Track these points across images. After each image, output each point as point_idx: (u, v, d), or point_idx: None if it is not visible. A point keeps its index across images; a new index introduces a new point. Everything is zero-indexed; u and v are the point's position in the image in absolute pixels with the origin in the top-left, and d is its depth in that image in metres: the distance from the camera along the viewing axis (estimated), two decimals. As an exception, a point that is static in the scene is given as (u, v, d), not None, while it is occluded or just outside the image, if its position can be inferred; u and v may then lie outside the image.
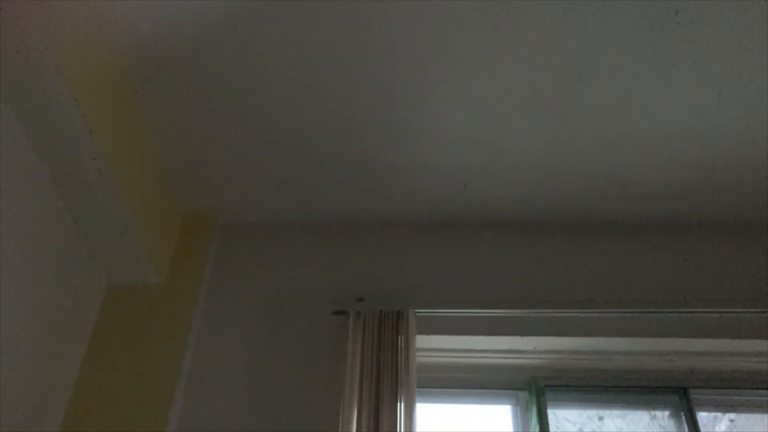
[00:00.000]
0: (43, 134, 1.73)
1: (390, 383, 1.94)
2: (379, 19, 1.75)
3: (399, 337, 2.04)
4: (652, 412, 2.21)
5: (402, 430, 1.85)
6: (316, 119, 2.09)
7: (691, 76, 1.88)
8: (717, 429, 2.19)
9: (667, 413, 2.21)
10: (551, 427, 2.12)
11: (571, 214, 2.44)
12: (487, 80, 1.93)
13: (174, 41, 1.83)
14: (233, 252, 2.46)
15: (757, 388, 2.19)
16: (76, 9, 1.65)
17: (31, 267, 1.80)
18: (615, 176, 2.26)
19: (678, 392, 2.20)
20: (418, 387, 1.97)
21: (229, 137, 2.17)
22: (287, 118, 2.09)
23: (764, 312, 2.10)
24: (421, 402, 2.11)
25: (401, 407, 1.89)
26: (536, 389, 2.18)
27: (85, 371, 2.06)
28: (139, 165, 2.08)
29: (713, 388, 2.21)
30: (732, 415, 2.21)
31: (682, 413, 2.16)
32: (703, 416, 2.17)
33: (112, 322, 2.17)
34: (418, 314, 2.11)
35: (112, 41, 1.82)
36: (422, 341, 2.14)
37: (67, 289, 1.99)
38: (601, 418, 2.21)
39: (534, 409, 2.14)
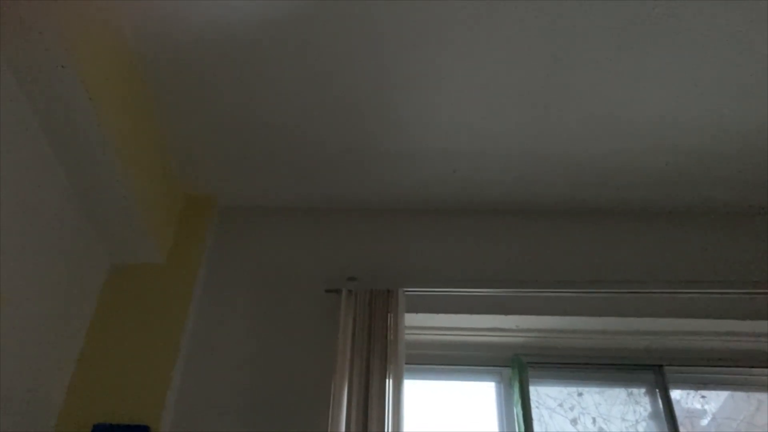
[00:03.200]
0: (51, 115, 1.82)
1: (380, 359, 2.01)
2: (375, 9, 1.82)
3: (389, 315, 2.12)
4: (629, 389, 2.30)
5: (391, 405, 1.93)
6: (312, 108, 2.16)
7: (668, 67, 1.97)
8: (689, 405, 2.30)
9: (643, 390, 2.30)
10: (533, 403, 2.21)
11: (554, 198, 2.53)
12: (477, 69, 2.00)
13: (179, 31, 1.91)
14: (231, 234, 2.55)
15: (727, 366, 2.30)
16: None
17: (37, 243, 1.88)
18: (598, 163, 2.35)
19: (653, 370, 2.29)
20: (406, 364, 2.05)
21: (229, 125, 2.25)
22: (285, 107, 2.16)
23: (735, 293, 2.21)
24: (408, 378, 2.21)
25: (390, 383, 1.96)
26: (519, 366, 2.28)
27: (88, 345, 2.15)
28: (143, 149, 2.16)
29: (687, 366, 2.31)
30: (704, 392, 2.31)
31: (657, 390, 2.26)
32: (676, 393, 2.28)
33: (115, 298, 2.26)
34: (407, 293, 2.20)
35: (119, 28, 1.90)
36: (411, 319, 2.24)
37: (71, 266, 2.07)
38: (580, 394, 2.30)
39: (516, 385, 2.24)
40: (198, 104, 2.17)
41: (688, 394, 2.31)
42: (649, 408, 2.27)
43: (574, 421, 2.25)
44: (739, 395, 2.31)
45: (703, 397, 2.30)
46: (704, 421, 2.28)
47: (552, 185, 2.47)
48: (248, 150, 2.37)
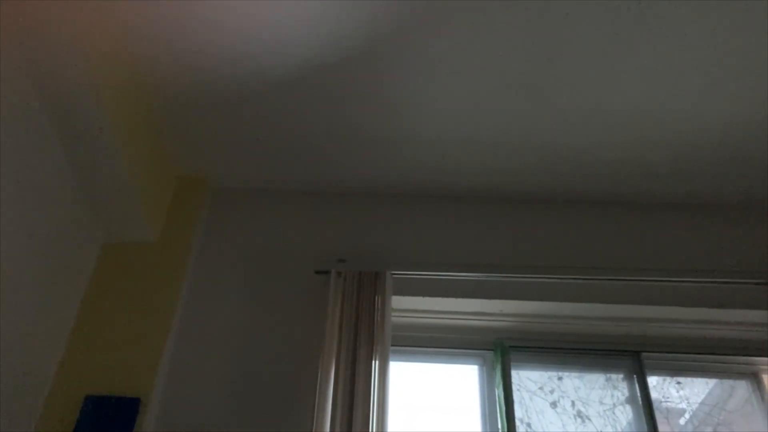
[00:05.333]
0: (51, 93, 1.85)
1: (366, 341, 2.06)
2: (367, -2, 1.87)
3: (376, 297, 2.17)
4: (607, 374, 2.37)
5: (376, 385, 1.97)
6: (303, 92, 2.20)
7: (652, 61, 2.02)
8: (665, 391, 2.37)
9: (621, 376, 2.37)
10: (514, 386, 2.27)
11: (539, 186, 2.59)
12: (466, 58, 2.04)
13: (176, 17, 1.93)
14: (223, 215, 2.58)
15: (702, 353, 2.37)
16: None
17: (32, 219, 1.91)
18: (582, 153, 2.41)
19: (631, 356, 2.36)
20: (391, 345, 2.09)
21: (222, 108, 2.28)
22: (276, 91, 2.20)
23: (712, 282, 2.29)
24: (394, 360, 2.25)
25: (376, 365, 2.01)
26: (501, 350, 2.33)
27: (81, 320, 2.18)
28: (138, 129, 2.19)
29: (663, 352, 2.38)
30: (679, 378, 2.39)
31: (635, 376, 2.33)
32: (653, 379, 2.35)
33: (108, 275, 2.29)
34: (394, 276, 2.25)
35: (120, 17, 1.93)
36: (397, 302, 2.28)
37: (65, 242, 2.10)
38: (560, 378, 2.37)
39: (498, 368, 2.30)
40: (191, 88, 2.20)
41: (664, 380, 2.38)
42: (626, 393, 2.34)
43: (553, 404, 2.32)
44: (714, 382, 2.39)
45: (678, 383, 2.38)
46: (680, 407, 2.36)
47: (537, 173, 2.53)
48: (240, 133, 2.40)
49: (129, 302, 2.22)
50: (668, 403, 2.35)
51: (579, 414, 2.30)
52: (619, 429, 2.27)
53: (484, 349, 2.39)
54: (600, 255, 2.47)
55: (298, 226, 2.55)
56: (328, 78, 2.14)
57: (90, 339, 2.14)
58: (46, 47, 1.73)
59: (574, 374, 2.38)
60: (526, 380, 2.36)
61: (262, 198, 2.64)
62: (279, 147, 2.46)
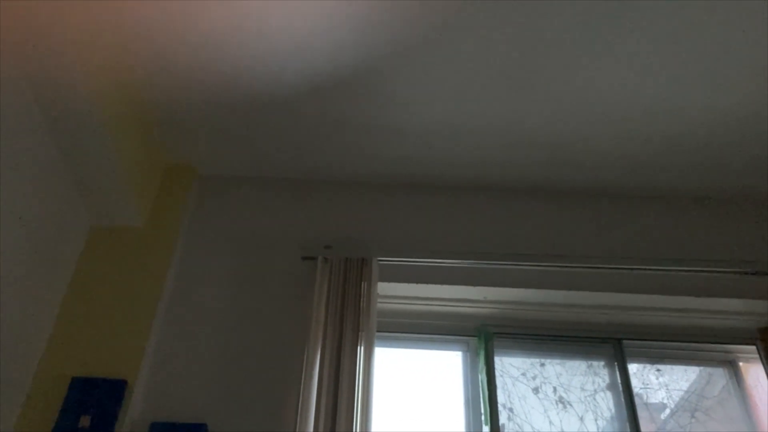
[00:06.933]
0: (43, 81, 1.86)
1: (352, 326, 2.09)
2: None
3: (362, 283, 2.19)
4: (589, 361, 2.41)
5: (361, 371, 2.00)
6: (291, 82, 2.21)
7: (634, 55, 2.04)
8: (645, 378, 2.42)
9: (602, 363, 2.41)
10: (497, 372, 2.31)
11: (523, 177, 2.62)
12: (453, 49, 2.06)
13: (165, 12, 1.94)
14: (211, 201, 2.59)
15: (681, 341, 2.42)
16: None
17: (21, 202, 1.92)
18: (567, 144, 2.43)
19: (612, 343, 2.41)
20: (377, 331, 2.12)
21: (211, 97, 2.29)
22: (265, 80, 2.20)
23: (692, 271, 2.34)
24: (379, 346, 2.28)
25: (361, 350, 2.04)
26: (485, 336, 2.37)
27: (68, 303, 2.19)
28: (128, 116, 2.20)
29: (644, 340, 2.43)
30: (659, 366, 2.43)
31: (616, 363, 2.37)
32: (633, 366, 2.40)
33: (95, 258, 2.30)
34: (380, 262, 2.28)
35: (113, 12, 1.94)
36: (383, 288, 2.32)
37: (53, 225, 2.12)
38: (542, 365, 2.41)
39: (482, 354, 2.33)
40: (181, 78, 2.20)
41: (644, 367, 2.43)
42: (607, 379, 2.38)
43: (535, 390, 2.36)
44: (692, 369, 2.44)
45: (658, 370, 2.42)
46: (661, 399, 2.40)
47: (523, 164, 2.55)
48: (228, 122, 2.41)
49: (116, 285, 2.24)
50: (648, 390, 2.39)
51: (560, 400, 2.34)
52: (600, 415, 2.31)
53: (468, 336, 2.43)
54: (583, 243, 2.50)
55: (285, 212, 2.57)
56: (315, 69, 2.15)
57: (77, 321, 2.16)
58: (41, 40, 1.73)
59: (557, 361, 2.42)
60: (509, 366, 2.39)
61: (249, 185, 2.65)
62: (266, 135, 2.47)
